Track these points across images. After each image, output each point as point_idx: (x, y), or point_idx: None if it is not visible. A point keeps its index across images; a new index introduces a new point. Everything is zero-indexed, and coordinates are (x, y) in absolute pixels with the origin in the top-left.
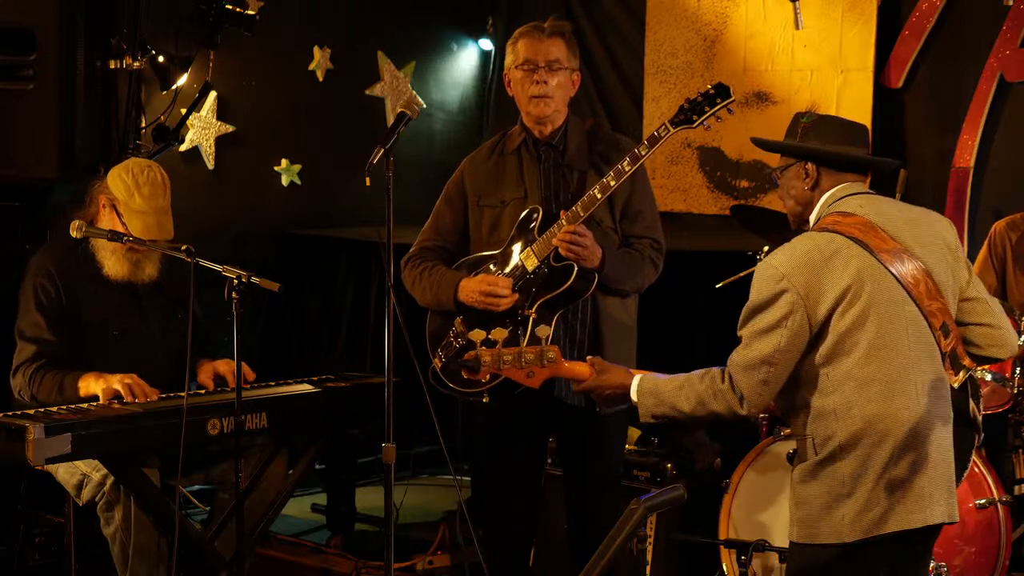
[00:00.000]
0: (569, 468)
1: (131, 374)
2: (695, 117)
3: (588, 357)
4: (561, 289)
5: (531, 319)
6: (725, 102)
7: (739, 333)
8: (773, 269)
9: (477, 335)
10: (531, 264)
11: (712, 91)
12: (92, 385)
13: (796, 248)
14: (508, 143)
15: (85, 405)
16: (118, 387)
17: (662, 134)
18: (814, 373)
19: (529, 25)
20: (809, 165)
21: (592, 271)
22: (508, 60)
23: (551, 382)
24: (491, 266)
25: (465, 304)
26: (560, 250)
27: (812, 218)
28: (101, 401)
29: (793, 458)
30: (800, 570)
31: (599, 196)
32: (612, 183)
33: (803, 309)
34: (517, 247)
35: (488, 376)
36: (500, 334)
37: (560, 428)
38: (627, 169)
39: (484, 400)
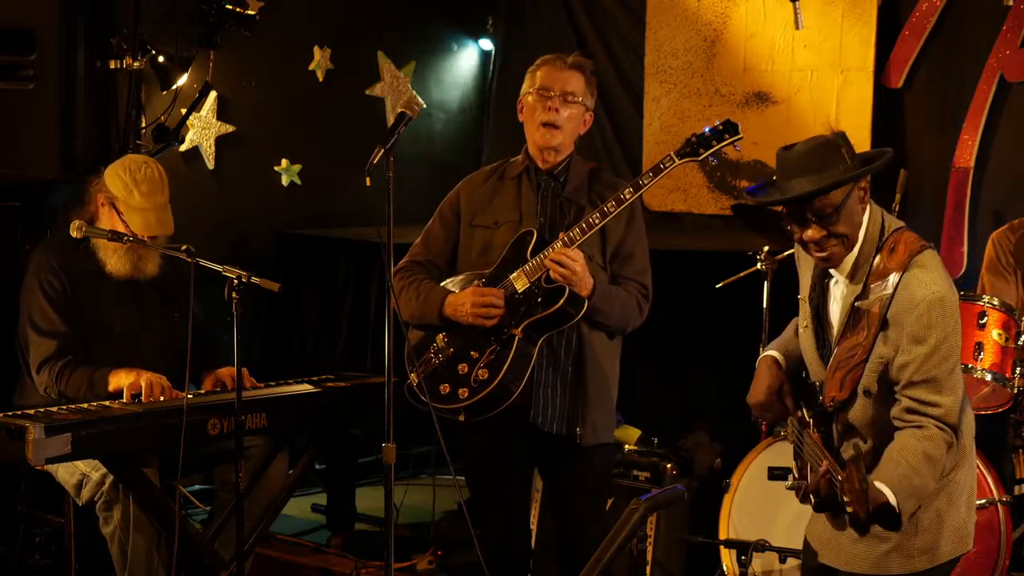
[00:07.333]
0: (555, 499)
1: (161, 375)
2: (701, 150)
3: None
4: (550, 310)
5: (516, 338)
6: (732, 138)
7: (925, 375)
8: (947, 302)
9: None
10: (521, 285)
11: (721, 127)
12: (123, 378)
13: (938, 270)
14: (509, 169)
15: (85, 405)
16: (143, 383)
17: (666, 165)
18: None
19: (552, 55)
20: (864, 183)
21: (582, 298)
22: (525, 86)
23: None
24: (479, 284)
25: (450, 319)
26: (551, 272)
27: (860, 239)
28: (125, 394)
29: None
30: None
31: (597, 222)
32: (611, 210)
33: None
34: (508, 267)
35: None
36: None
37: (540, 457)
38: (627, 197)
39: (460, 419)
